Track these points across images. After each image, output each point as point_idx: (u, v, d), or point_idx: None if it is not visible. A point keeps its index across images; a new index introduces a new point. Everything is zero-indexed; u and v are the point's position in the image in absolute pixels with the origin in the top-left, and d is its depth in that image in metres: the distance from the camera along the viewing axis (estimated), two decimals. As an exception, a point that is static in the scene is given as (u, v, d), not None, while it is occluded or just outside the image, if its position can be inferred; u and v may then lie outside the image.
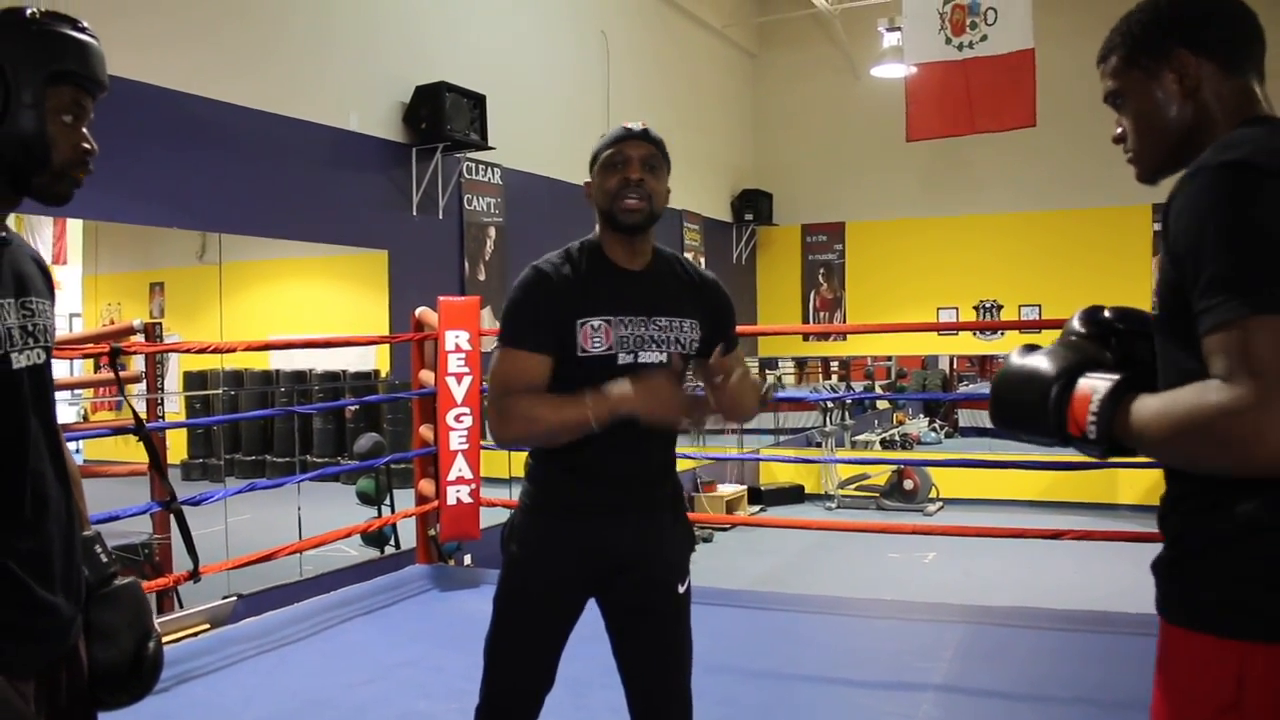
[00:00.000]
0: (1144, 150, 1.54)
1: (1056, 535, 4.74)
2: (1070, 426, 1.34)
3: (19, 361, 1.55)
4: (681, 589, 2.39)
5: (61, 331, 6.28)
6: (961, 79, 7.95)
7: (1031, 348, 1.43)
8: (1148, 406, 1.28)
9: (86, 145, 1.59)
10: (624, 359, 2.19)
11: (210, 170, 5.56)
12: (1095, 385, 1.33)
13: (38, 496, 1.56)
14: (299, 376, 7.28)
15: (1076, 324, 1.51)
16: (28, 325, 1.58)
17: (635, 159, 2.27)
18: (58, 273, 6.20)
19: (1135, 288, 10.97)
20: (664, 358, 2.22)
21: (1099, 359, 1.40)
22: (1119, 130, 1.57)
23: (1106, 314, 1.53)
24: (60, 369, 5.86)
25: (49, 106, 1.52)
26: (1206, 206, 1.27)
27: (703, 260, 11.12)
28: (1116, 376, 1.33)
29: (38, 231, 6.12)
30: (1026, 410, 1.39)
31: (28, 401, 1.56)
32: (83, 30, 1.56)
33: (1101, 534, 4.72)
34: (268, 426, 7.21)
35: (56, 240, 6.58)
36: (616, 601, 2.39)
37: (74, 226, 6.19)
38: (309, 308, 7.42)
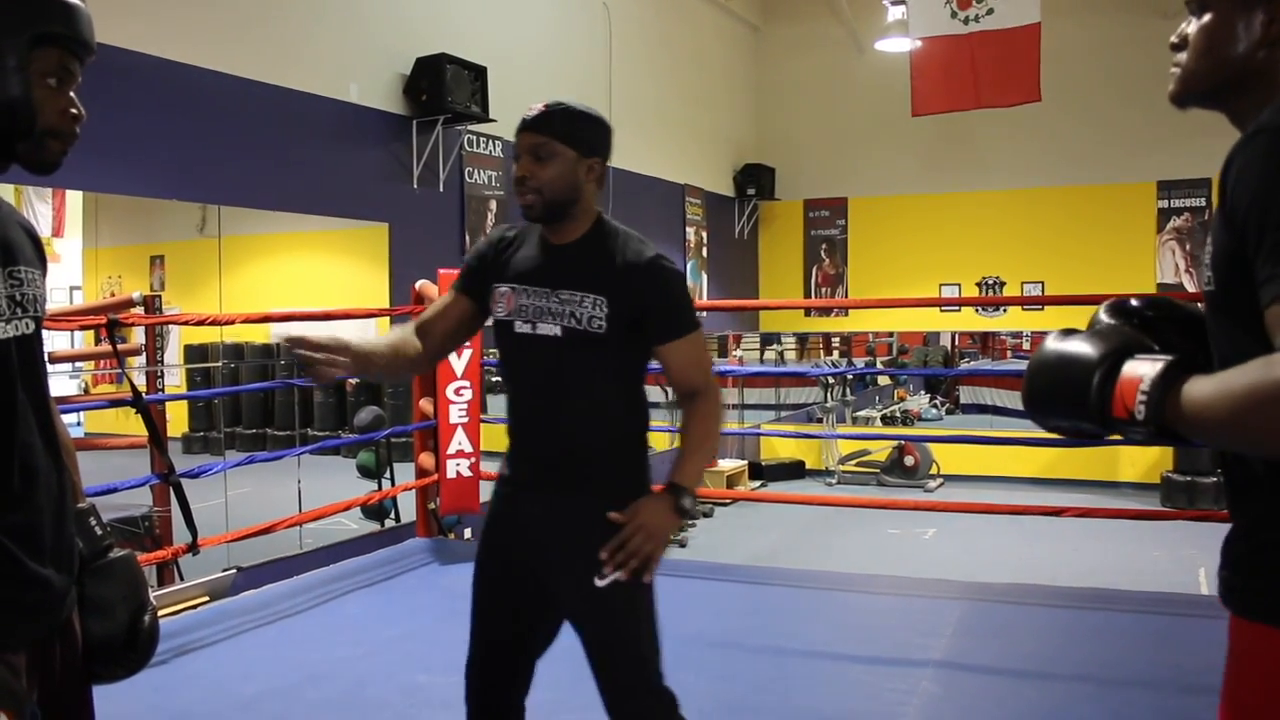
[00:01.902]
0: (1196, 71, 1.44)
1: (1057, 512, 4.74)
2: (1115, 409, 1.27)
3: (5, 332, 1.51)
4: (600, 582, 2.20)
5: (62, 304, 6.29)
6: (967, 53, 7.90)
7: (1069, 331, 1.38)
8: (1203, 387, 1.20)
9: (74, 110, 1.54)
10: (521, 327, 2.23)
11: (210, 142, 5.52)
12: (1144, 367, 1.26)
13: (26, 469, 1.53)
14: (299, 349, 7.27)
15: (1104, 315, 1.46)
16: (15, 295, 1.53)
17: (524, 152, 2.24)
18: (57, 245, 6.18)
19: (1139, 265, 10.96)
20: (558, 331, 2.19)
21: (1143, 344, 1.34)
22: (1177, 38, 1.47)
23: (1134, 303, 1.48)
24: (61, 341, 5.85)
25: (33, 70, 1.47)
26: (1274, 170, 1.19)
27: (705, 234, 11.09)
28: (1168, 358, 1.26)
29: (37, 204, 6.09)
30: (1067, 392, 1.33)
31: (15, 373, 1.52)
32: None
33: (1102, 511, 4.72)
34: (268, 400, 7.20)
35: (56, 213, 6.54)
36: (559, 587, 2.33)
37: (73, 199, 6.15)
38: (309, 281, 7.39)
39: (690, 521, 2.22)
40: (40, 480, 1.56)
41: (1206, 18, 1.41)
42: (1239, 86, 1.39)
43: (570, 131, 2.22)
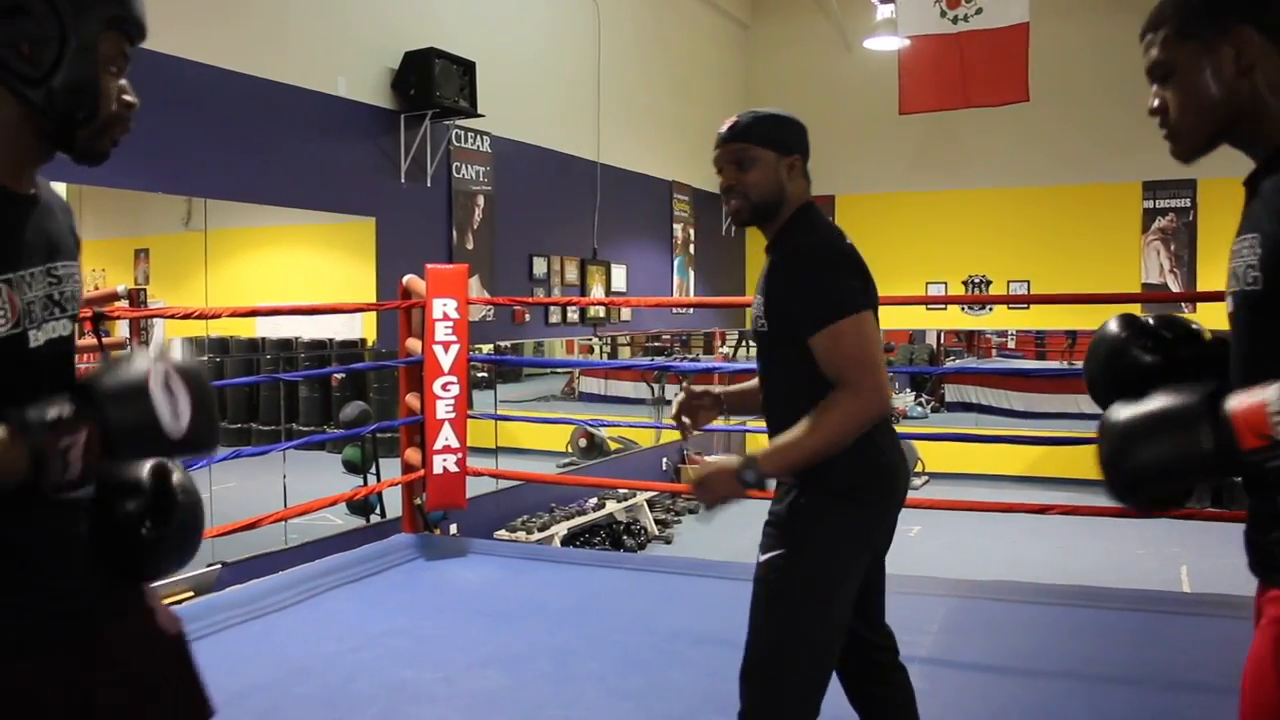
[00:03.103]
0: (1188, 127, 1.46)
1: (1043, 510, 4.74)
2: (1244, 442, 1.25)
3: (37, 339, 1.43)
4: (763, 557, 2.25)
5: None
6: (955, 52, 7.91)
7: (1124, 400, 1.37)
8: None
9: (130, 99, 1.50)
10: (755, 327, 2.39)
11: (197, 135, 5.49)
12: (1258, 393, 1.24)
13: None
14: (285, 344, 7.23)
15: (1116, 328, 1.46)
16: (54, 294, 1.46)
17: (726, 163, 2.35)
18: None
19: (1124, 265, 11.00)
20: (755, 329, 2.37)
21: (1211, 389, 1.32)
22: (1156, 103, 1.49)
23: (1149, 321, 1.48)
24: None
25: (101, 54, 1.42)
26: None
27: (693, 231, 11.08)
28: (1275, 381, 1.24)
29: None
30: (1178, 455, 1.31)
31: (43, 376, 1.45)
32: None
33: (1088, 509, 4.73)
34: (253, 394, 7.17)
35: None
36: None
37: (57, 191, 6.11)
38: (296, 275, 7.36)
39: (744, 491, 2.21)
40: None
41: (1179, 78, 1.44)
42: (1234, 123, 1.43)
43: (765, 134, 2.30)
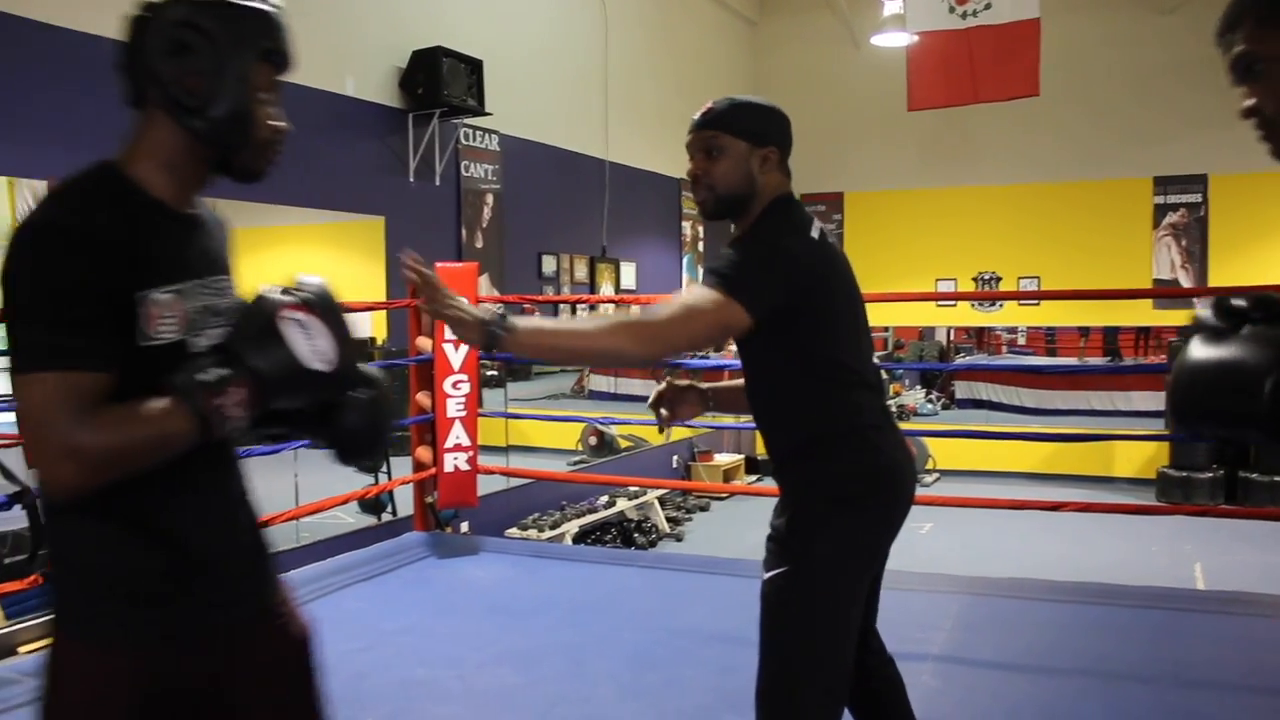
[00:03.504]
0: None
1: (1056, 507, 4.72)
2: None
3: (197, 345, 1.53)
4: (766, 574, 2.16)
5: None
6: (964, 48, 7.88)
7: (1212, 335, 1.32)
8: None
9: (280, 124, 1.62)
10: None
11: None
12: None
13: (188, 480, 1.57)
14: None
15: (1207, 314, 1.42)
16: (212, 304, 1.58)
17: (696, 150, 2.28)
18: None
19: (1135, 260, 10.96)
20: None
21: None
22: (1250, 104, 1.39)
23: (1238, 302, 1.44)
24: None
25: (252, 84, 1.54)
26: None
27: (701, 229, 11.07)
28: None
29: (30, 194, 6.05)
30: (1233, 399, 1.28)
31: None
32: (278, 9, 1.59)
33: (1102, 506, 4.72)
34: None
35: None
36: None
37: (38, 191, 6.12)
38: (305, 274, 7.37)
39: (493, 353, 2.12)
40: (206, 481, 1.60)
41: (1268, 68, 1.35)
42: None
43: (739, 123, 2.22)
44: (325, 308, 1.55)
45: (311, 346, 1.50)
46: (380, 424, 1.79)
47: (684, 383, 2.53)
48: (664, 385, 2.53)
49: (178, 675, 1.53)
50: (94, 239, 1.42)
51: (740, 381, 2.47)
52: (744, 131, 2.21)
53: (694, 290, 2.08)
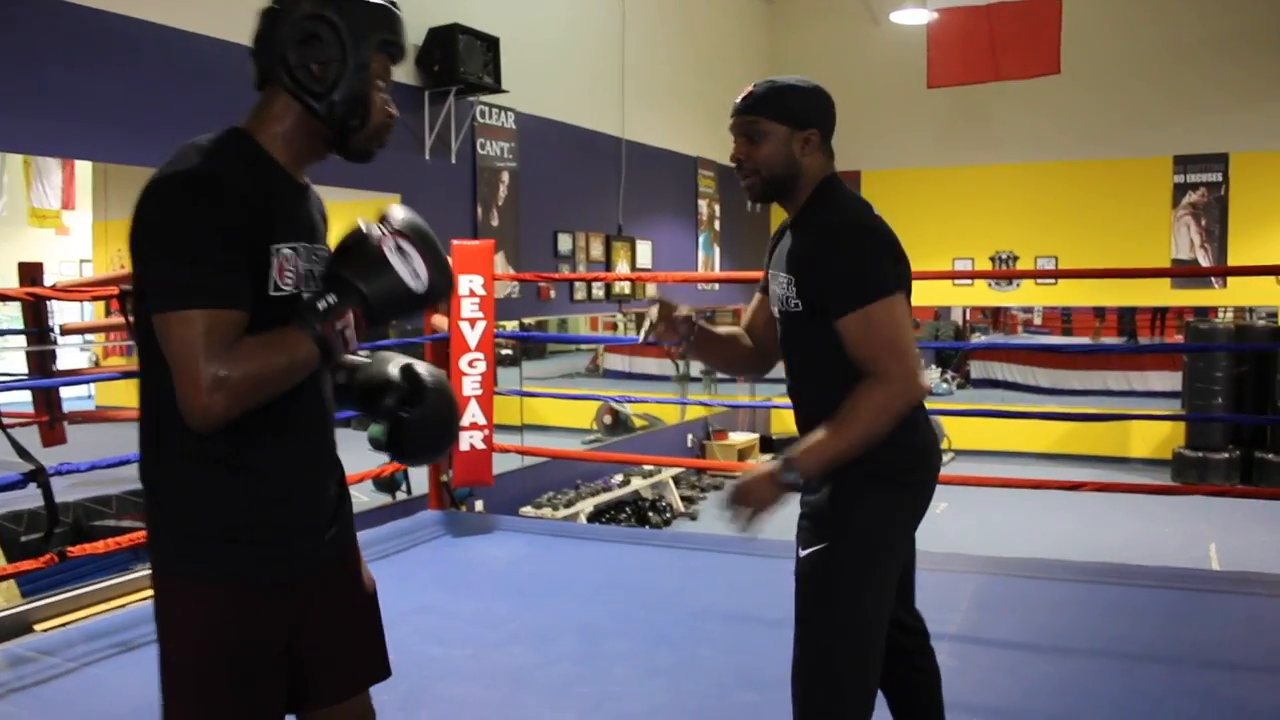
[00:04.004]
0: None
1: (1075, 486, 4.71)
2: None
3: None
4: (803, 552, 2.18)
5: (72, 277, 6.26)
6: (985, 25, 7.80)
7: None
8: None
9: (392, 110, 1.74)
10: (773, 308, 2.33)
11: (220, 112, 5.42)
12: None
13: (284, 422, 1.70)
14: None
15: None
16: (314, 269, 1.70)
17: (737, 135, 2.28)
18: (66, 218, 6.15)
19: (1154, 240, 10.88)
20: (778, 312, 2.31)
21: None
22: None
23: None
24: (71, 313, 5.84)
25: (372, 72, 1.68)
26: None
27: (717, 207, 11.03)
28: None
29: (46, 175, 6.06)
30: None
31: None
32: (395, 5, 1.74)
33: (1120, 486, 4.70)
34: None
35: (66, 185, 6.52)
36: None
37: (83, 171, 6.12)
38: (395, 207, 7.36)
39: (791, 489, 2.14)
40: (300, 432, 1.73)
41: None
42: None
43: (779, 107, 2.20)
44: (419, 234, 1.68)
45: (411, 269, 1.65)
46: (447, 426, 1.94)
47: (682, 314, 2.42)
48: (661, 307, 2.42)
49: (269, 609, 1.67)
50: (234, 189, 1.56)
51: (727, 331, 2.46)
52: (785, 115, 2.20)
53: (863, 322, 2.07)
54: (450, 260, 1.77)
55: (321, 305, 1.59)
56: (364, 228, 1.67)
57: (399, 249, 1.65)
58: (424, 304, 1.69)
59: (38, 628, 4.16)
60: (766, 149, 2.20)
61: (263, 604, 1.66)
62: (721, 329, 2.49)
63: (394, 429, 1.87)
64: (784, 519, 2.26)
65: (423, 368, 1.90)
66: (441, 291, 1.70)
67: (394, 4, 1.73)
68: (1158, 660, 3.61)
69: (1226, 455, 10.04)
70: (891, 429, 2.07)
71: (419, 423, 1.87)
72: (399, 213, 1.71)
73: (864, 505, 2.14)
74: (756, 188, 2.24)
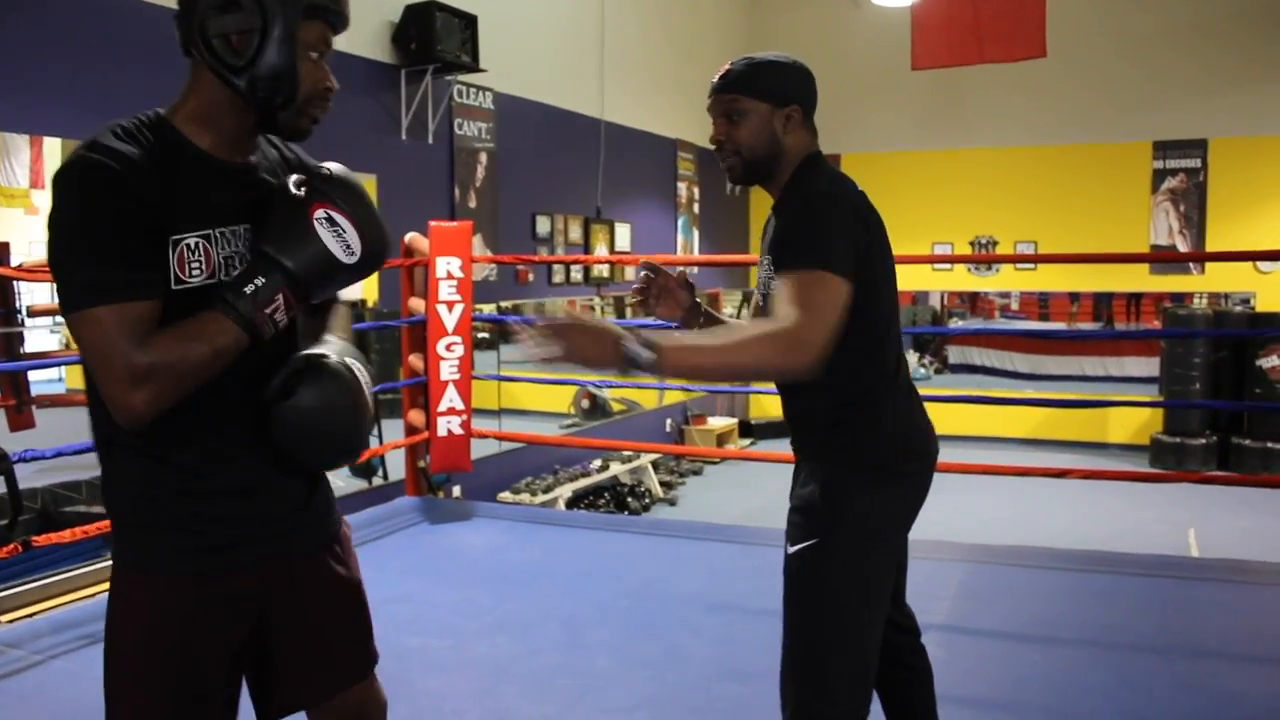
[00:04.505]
0: None
1: (1062, 474, 4.66)
2: None
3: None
4: (792, 548, 2.05)
5: (41, 258, 6.12)
6: (970, 7, 7.72)
7: None
8: None
9: (329, 83, 1.62)
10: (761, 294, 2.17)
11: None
12: None
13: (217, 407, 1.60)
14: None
15: None
16: (239, 255, 1.58)
17: (717, 116, 2.17)
18: (35, 198, 6.01)
19: (1133, 225, 10.88)
20: (761, 297, 2.14)
21: None
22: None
23: None
24: (41, 295, 5.70)
25: (300, 41, 1.54)
26: None
27: (697, 190, 10.94)
28: None
29: (14, 154, 5.91)
30: None
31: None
32: None
33: (1107, 474, 4.66)
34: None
35: (34, 163, 6.37)
36: None
37: (52, 148, 5.97)
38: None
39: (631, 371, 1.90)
40: (234, 419, 1.61)
41: None
42: None
43: (759, 84, 2.11)
44: (350, 196, 1.58)
45: (342, 241, 1.55)
46: (337, 412, 1.62)
47: (682, 280, 2.32)
48: (654, 275, 2.34)
49: (208, 601, 1.59)
50: (132, 177, 1.45)
51: (730, 320, 2.35)
52: (764, 92, 2.10)
53: (797, 280, 1.89)
54: (379, 221, 1.61)
55: (248, 289, 1.50)
56: (291, 193, 1.56)
57: (329, 218, 1.55)
58: (358, 275, 1.60)
59: (3, 619, 4.05)
60: (747, 129, 2.11)
61: (198, 595, 1.58)
62: (724, 317, 2.38)
63: (276, 419, 1.61)
64: (765, 508, 2.19)
65: (334, 357, 1.66)
66: (377, 260, 1.60)
67: None
68: (1147, 650, 3.57)
69: (1204, 440, 10.07)
70: (759, 377, 1.92)
71: (293, 416, 1.60)
72: (330, 174, 1.60)
73: (857, 498, 2.03)
74: (738, 169, 2.15)
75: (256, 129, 1.61)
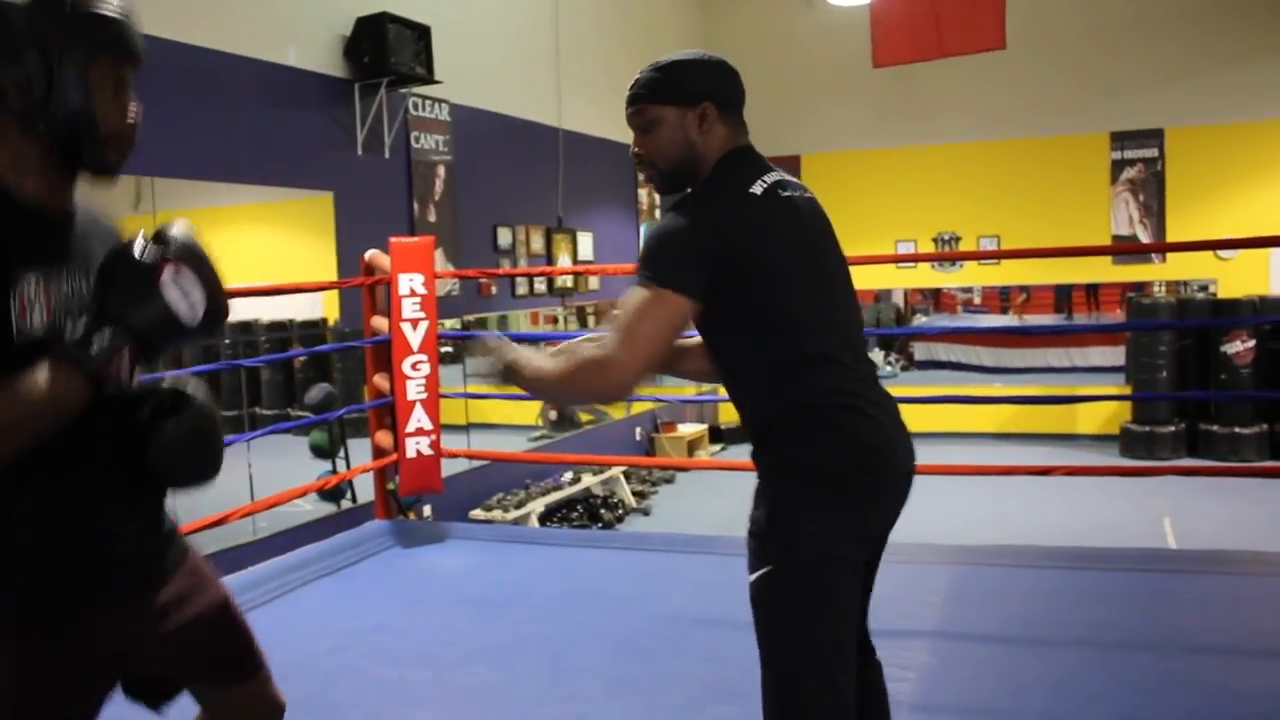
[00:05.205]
0: None
1: (1046, 472, 4.61)
2: None
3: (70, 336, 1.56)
4: (751, 576, 1.99)
5: None
6: (928, 2, 7.71)
7: None
8: None
9: (130, 119, 1.61)
10: None
11: (160, 116, 5.20)
12: None
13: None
14: (244, 327, 6.96)
15: None
16: (71, 307, 1.56)
17: (634, 130, 2.13)
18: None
19: (1093, 217, 10.90)
20: None
21: None
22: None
23: None
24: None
25: (92, 79, 1.53)
26: None
27: (658, 196, 10.87)
28: None
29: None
30: None
31: None
32: (115, 6, 1.57)
33: (1094, 469, 4.62)
34: (213, 379, 6.89)
35: None
36: None
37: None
38: (253, 256, 7.07)
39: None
40: (70, 470, 1.58)
41: None
42: None
43: (662, 89, 2.04)
44: (195, 259, 1.58)
45: (188, 302, 1.56)
46: (205, 435, 1.71)
47: None
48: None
49: (74, 657, 1.58)
50: None
51: (695, 341, 2.24)
52: (670, 95, 2.03)
53: (629, 298, 1.91)
54: (222, 283, 1.64)
55: (95, 345, 1.49)
56: (138, 250, 1.55)
57: (174, 278, 1.54)
58: (198, 336, 1.62)
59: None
60: (658, 138, 2.04)
61: (61, 652, 1.57)
62: (689, 340, 2.26)
63: (154, 442, 1.64)
64: (739, 515, 2.08)
65: (194, 388, 1.72)
66: (219, 321, 1.64)
67: (113, 5, 1.57)
68: (1141, 648, 3.51)
69: (1172, 428, 10.09)
70: (586, 401, 2.02)
71: (172, 437, 1.65)
72: (177, 234, 1.59)
73: (806, 520, 1.93)
74: (657, 181, 2.09)
75: (69, 173, 1.59)
